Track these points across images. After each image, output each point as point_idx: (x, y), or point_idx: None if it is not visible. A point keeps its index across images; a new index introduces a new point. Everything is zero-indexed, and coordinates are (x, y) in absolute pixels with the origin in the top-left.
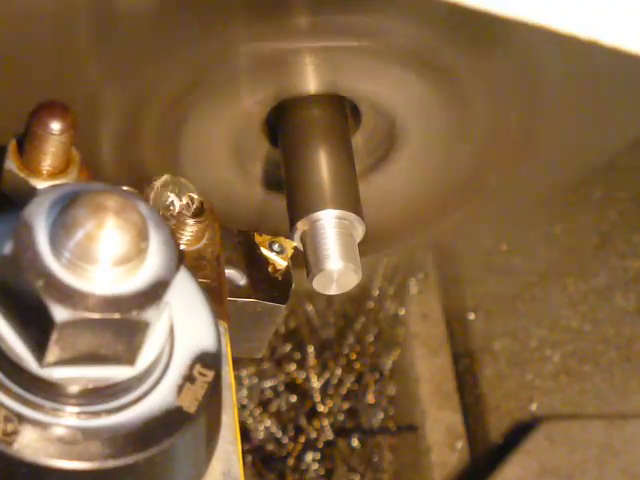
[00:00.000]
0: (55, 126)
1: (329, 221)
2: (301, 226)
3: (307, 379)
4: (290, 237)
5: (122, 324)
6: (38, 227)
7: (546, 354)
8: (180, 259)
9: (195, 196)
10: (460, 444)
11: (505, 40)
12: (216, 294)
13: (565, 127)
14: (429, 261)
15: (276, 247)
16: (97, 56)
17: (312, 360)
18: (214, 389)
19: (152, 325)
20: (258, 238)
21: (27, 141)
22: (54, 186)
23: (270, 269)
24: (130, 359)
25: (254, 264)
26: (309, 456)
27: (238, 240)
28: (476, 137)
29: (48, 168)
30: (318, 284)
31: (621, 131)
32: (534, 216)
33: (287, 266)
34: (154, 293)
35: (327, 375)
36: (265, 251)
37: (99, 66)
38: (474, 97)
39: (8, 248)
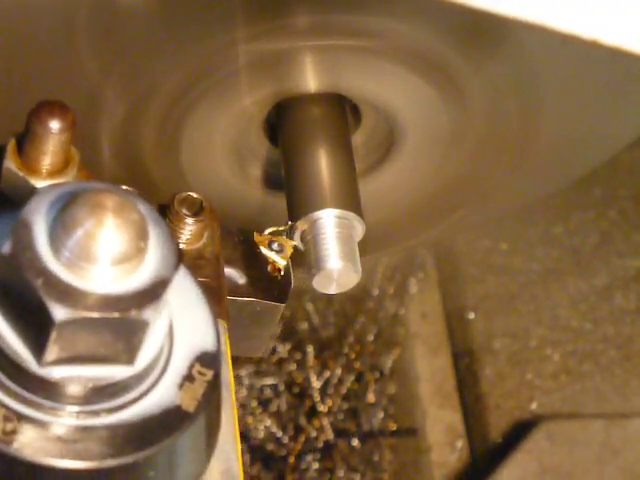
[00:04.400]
0: (54, 125)
1: (329, 220)
2: (301, 225)
3: (307, 379)
4: (290, 237)
5: (121, 323)
6: (37, 226)
7: (546, 353)
8: (179, 258)
9: (194, 195)
10: (460, 443)
11: (505, 40)
12: (215, 293)
13: (565, 127)
14: (429, 261)
15: (275, 246)
16: (97, 55)
17: (312, 360)
18: (213, 388)
19: (151, 324)
20: (257, 237)
21: (26, 140)
22: (53, 185)
23: (269, 268)
24: (129, 358)
25: (253, 263)
26: (309, 455)
27: (237, 239)
28: (476, 137)
29: (47, 167)
30: (318, 283)
31: (621, 131)
32: (534, 215)
33: (286, 265)
34: (153, 292)
35: (327, 374)
36: (264, 250)
37: (99, 65)
38: (474, 97)
39: (7, 247)
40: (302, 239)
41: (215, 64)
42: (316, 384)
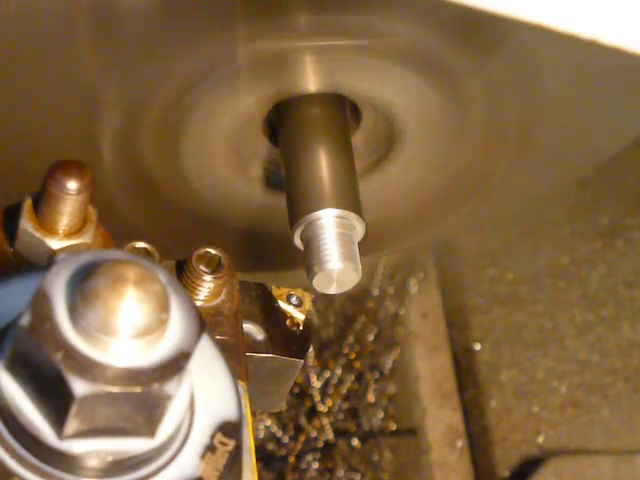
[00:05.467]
0: (72, 186)
1: (329, 220)
2: (301, 225)
3: (307, 378)
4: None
5: (142, 397)
6: (57, 298)
7: (553, 385)
8: (202, 327)
9: (213, 251)
10: (460, 443)
11: (505, 40)
12: (234, 351)
13: (565, 127)
14: (429, 261)
15: (294, 300)
16: (97, 55)
17: (312, 359)
18: (235, 458)
19: (173, 397)
20: (276, 291)
21: (43, 200)
22: (72, 253)
23: (288, 322)
24: (150, 431)
25: (272, 318)
26: (309, 455)
27: (255, 293)
28: (476, 137)
29: (64, 228)
30: (318, 283)
31: (621, 131)
32: (540, 245)
33: (305, 319)
34: (175, 365)
35: (327, 374)
36: (283, 304)
37: (99, 65)
38: (474, 97)
39: (26, 319)
40: (302, 239)
41: (215, 64)
42: (316, 384)
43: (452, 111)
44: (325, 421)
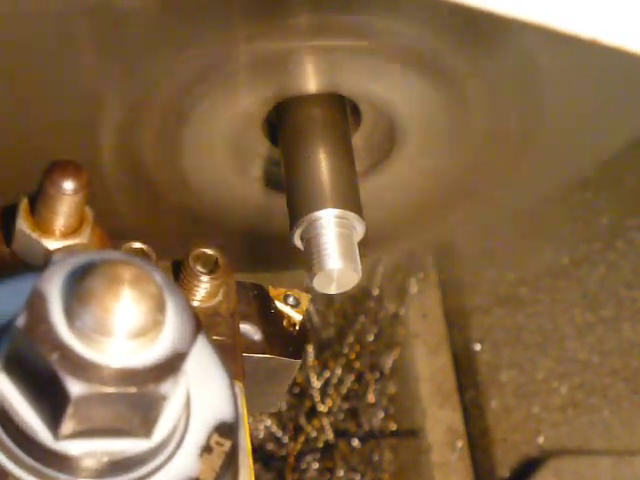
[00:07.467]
0: (68, 186)
1: (329, 220)
2: (301, 225)
3: (307, 378)
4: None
5: (138, 397)
6: (52, 298)
7: (553, 386)
8: (197, 328)
9: (209, 251)
10: (460, 443)
11: (505, 40)
12: (231, 352)
13: (565, 128)
14: (429, 261)
15: (291, 300)
16: (97, 56)
17: (312, 359)
18: (231, 459)
19: (169, 398)
20: (273, 291)
21: (39, 201)
22: (68, 254)
23: (285, 323)
24: (146, 432)
25: (269, 318)
26: (309, 456)
27: (252, 294)
28: (476, 137)
29: (61, 228)
30: (318, 283)
31: (621, 131)
32: (540, 246)
33: (302, 320)
34: (171, 366)
35: (327, 374)
36: (280, 305)
37: (99, 66)
38: (474, 97)
39: (22, 320)
40: (302, 239)
41: (215, 64)
42: (316, 384)
43: (452, 111)
44: (325, 421)
